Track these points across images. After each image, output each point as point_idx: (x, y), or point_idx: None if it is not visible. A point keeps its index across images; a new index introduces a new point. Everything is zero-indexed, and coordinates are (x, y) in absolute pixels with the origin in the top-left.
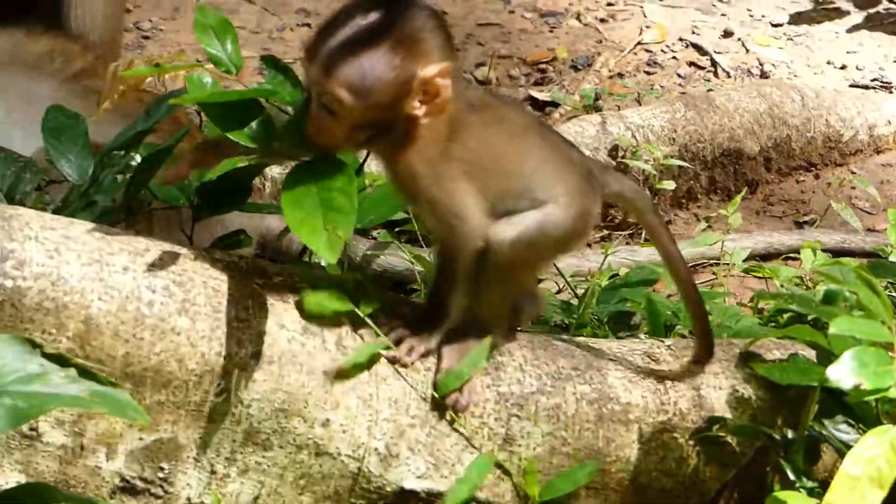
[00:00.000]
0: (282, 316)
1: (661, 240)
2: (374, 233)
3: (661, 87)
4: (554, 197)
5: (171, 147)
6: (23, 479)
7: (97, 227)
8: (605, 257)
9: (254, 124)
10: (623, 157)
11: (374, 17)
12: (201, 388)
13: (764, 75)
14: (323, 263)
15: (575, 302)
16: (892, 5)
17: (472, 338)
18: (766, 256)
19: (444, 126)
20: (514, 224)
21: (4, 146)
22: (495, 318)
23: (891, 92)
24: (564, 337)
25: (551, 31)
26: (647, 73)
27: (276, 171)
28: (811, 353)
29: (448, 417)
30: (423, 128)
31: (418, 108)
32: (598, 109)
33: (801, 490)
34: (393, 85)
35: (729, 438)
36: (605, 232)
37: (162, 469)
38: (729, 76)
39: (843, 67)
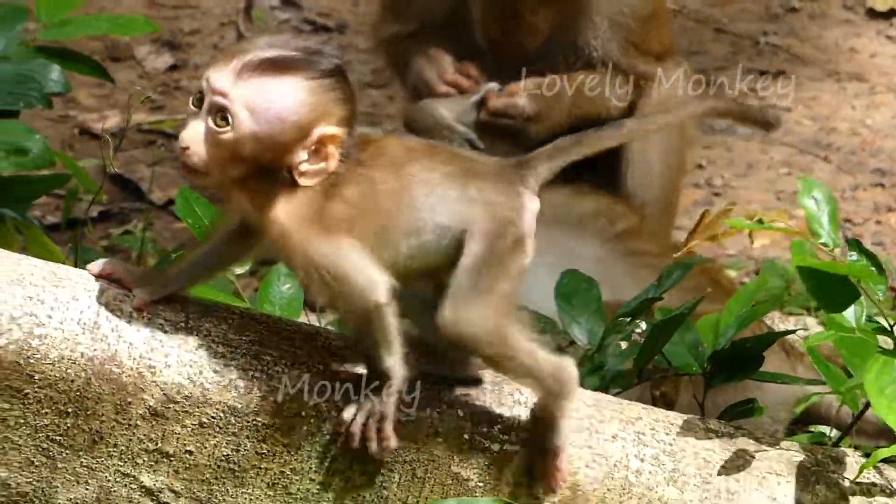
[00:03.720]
0: (774, 490)
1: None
2: None
3: None
4: (466, 220)
5: (685, 314)
6: None
7: (591, 394)
8: None
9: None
10: None
11: (298, 55)
12: None
13: None
14: None
15: None
16: None
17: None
18: None
19: (320, 187)
20: (454, 302)
21: (546, 305)
22: (530, 374)
23: None
24: None
25: None
26: None
27: None
28: None
29: None
30: (299, 187)
31: (301, 163)
32: None
33: None
34: (293, 124)
35: None
36: None
37: None
38: None
39: None
